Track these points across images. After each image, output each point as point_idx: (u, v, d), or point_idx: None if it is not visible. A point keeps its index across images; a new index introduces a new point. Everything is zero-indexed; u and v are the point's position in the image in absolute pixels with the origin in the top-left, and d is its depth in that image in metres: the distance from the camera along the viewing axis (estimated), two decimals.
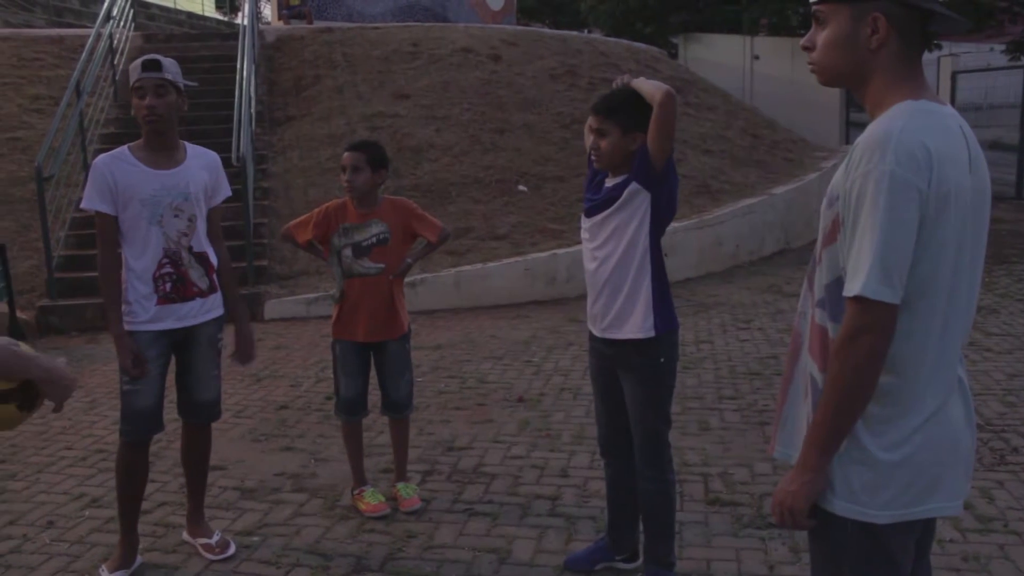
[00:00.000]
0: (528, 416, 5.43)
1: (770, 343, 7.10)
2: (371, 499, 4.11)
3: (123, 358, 3.43)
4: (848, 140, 18.68)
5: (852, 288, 1.70)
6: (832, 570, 1.89)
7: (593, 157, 3.22)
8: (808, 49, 1.89)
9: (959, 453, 1.84)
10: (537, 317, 8.38)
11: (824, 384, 1.80)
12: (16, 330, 7.89)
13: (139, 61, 3.45)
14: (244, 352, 3.82)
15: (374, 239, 4.02)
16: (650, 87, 3.04)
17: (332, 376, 4.23)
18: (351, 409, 4.15)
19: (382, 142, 4.46)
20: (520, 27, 18.48)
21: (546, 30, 19.05)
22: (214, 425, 3.87)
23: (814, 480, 1.80)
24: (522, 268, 9.12)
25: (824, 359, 1.84)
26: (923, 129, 1.70)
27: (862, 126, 1.83)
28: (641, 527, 3.43)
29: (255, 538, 3.90)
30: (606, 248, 3.20)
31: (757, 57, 21.01)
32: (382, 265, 4.02)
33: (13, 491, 4.48)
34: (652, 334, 3.15)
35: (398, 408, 4.20)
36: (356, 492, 4.17)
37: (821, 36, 1.86)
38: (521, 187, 10.57)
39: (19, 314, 8.06)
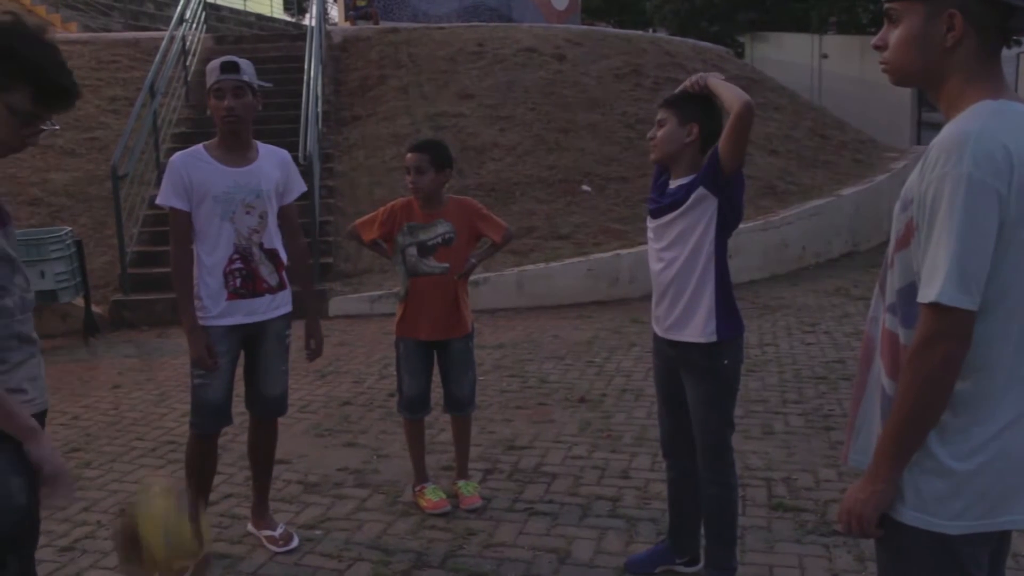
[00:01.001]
0: (589, 416, 5.42)
1: (836, 347, 6.98)
2: (432, 496, 4.14)
3: (196, 351, 3.50)
4: (920, 141, 18.26)
5: (928, 295, 1.65)
6: None
7: (650, 147, 3.23)
8: (880, 48, 1.83)
9: None
10: (599, 317, 8.35)
11: (896, 393, 1.74)
12: (91, 323, 8.13)
13: (217, 63, 3.51)
14: (311, 348, 3.87)
15: (439, 239, 4.01)
16: (728, 94, 2.96)
17: (395, 373, 4.26)
18: (414, 407, 4.17)
19: (446, 142, 4.46)
20: (585, 27, 18.44)
21: (611, 29, 18.97)
22: (280, 420, 3.94)
23: (885, 490, 1.76)
24: (585, 268, 9.10)
25: (893, 365, 1.80)
26: (1003, 130, 1.64)
27: (935, 126, 1.79)
28: (703, 530, 3.40)
29: (318, 532, 3.95)
30: (672, 251, 3.17)
31: (826, 56, 20.66)
32: (447, 265, 4.02)
33: (88, 479, 4.62)
34: (714, 339, 3.12)
35: (461, 406, 4.21)
36: (417, 489, 4.21)
37: (894, 35, 1.79)
38: (585, 187, 10.55)
39: (94, 308, 8.30)
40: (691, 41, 16.53)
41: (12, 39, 2.04)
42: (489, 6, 19.70)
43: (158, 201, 3.61)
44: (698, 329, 3.14)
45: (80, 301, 8.18)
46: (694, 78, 3.12)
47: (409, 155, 3.98)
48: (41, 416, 2.24)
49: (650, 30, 25.41)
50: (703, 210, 3.08)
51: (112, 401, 6.08)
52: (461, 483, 4.24)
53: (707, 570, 3.36)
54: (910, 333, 1.75)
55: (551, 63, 13.03)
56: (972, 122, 1.66)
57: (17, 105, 2.07)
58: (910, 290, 1.75)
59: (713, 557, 3.32)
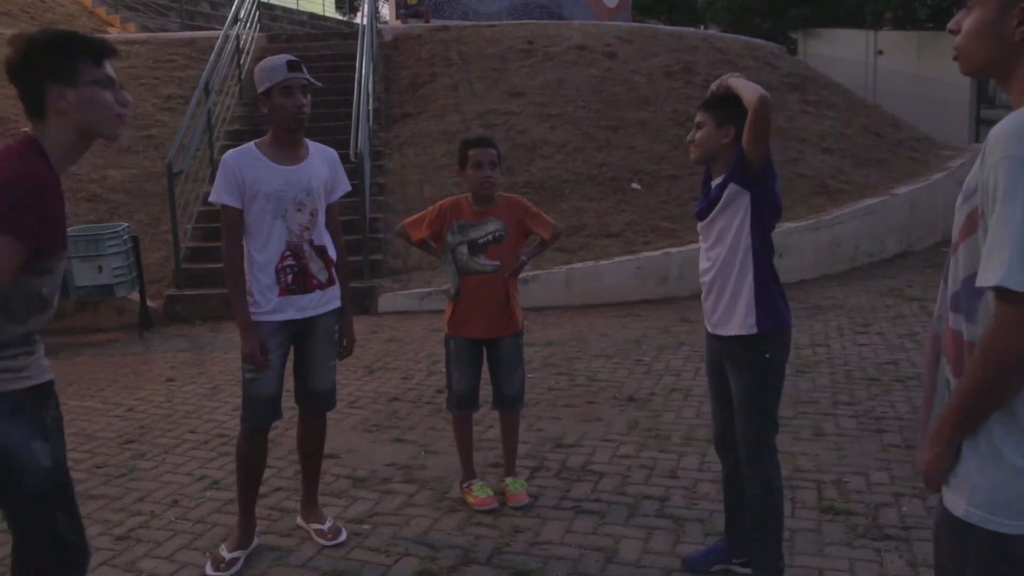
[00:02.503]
0: (638, 415, 5.40)
1: (890, 348, 6.86)
2: (479, 493, 4.15)
3: (248, 346, 3.54)
4: (979, 139, 17.83)
5: (988, 278, 1.59)
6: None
7: (689, 149, 3.31)
8: (954, 33, 1.81)
9: None
10: (648, 316, 8.31)
11: (964, 375, 1.70)
12: (145, 318, 8.28)
13: (281, 61, 3.53)
14: (343, 346, 3.89)
15: (490, 236, 4.01)
16: (746, 90, 3.01)
17: (444, 370, 4.28)
18: (463, 403, 4.18)
19: (496, 139, 4.47)
20: (635, 24, 18.35)
21: (661, 27, 18.85)
22: (329, 415, 3.97)
23: (945, 456, 1.76)
24: (634, 267, 9.06)
25: (958, 364, 1.76)
26: None
27: (993, 123, 1.75)
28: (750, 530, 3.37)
29: (365, 526, 3.99)
30: (715, 249, 3.24)
31: (881, 52, 20.27)
32: (497, 263, 4.01)
33: (142, 470, 4.70)
34: (755, 331, 3.14)
35: (510, 404, 4.21)
36: (465, 485, 4.22)
37: (967, 21, 1.77)
38: (635, 185, 10.50)
39: (148, 303, 8.46)
40: (743, 38, 16.34)
41: (51, 33, 2.27)
42: (539, 3, 19.69)
43: (211, 199, 3.66)
44: (739, 322, 3.17)
45: (136, 296, 8.34)
46: (718, 81, 3.18)
47: (477, 150, 3.95)
48: (47, 386, 2.42)
49: (701, 27, 25.19)
50: (737, 206, 3.15)
51: (165, 394, 6.19)
52: (509, 480, 4.25)
53: (753, 571, 3.33)
54: (973, 328, 1.71)
55: (601, 60, 12.98)
56: None
57: (95, 77, 2.27)
58: (975, 279, 1.69)
59: (757, 558, 3.30)
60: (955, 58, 1.83)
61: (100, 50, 2.29)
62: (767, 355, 3.17)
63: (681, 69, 13.02)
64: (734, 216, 3.15)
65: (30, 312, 2.29)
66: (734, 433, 3.34)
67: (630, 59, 13.13)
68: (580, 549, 3.71)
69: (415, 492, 4.35)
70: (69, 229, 7.87)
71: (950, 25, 1.84)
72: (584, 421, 5.32)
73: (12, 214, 2.12)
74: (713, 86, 3.20)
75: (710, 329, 3.32)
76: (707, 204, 3.24)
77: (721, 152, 3.19)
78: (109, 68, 2.31)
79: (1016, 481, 1.68)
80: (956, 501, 1.75)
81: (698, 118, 3.24)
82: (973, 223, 1.71)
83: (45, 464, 2.33)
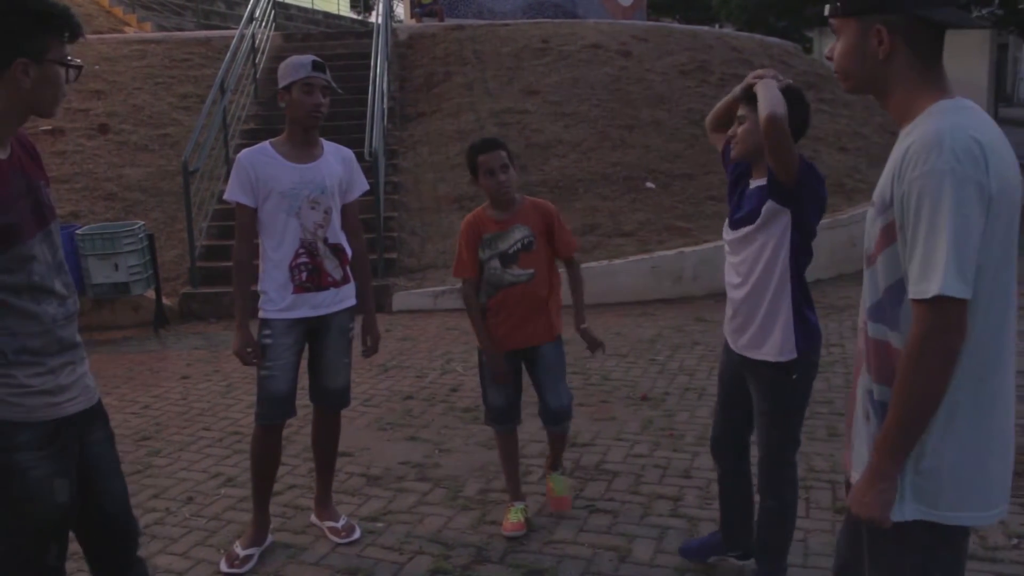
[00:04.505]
0: (651, 415, 5.38)
1: None
2: (512, 517, 3.90)
3: (237, 345, 3.58)
4: None
5: (927, 289, 1.68)
6: (900, 573, 1.87)
7: (731, 146, 3.13)
8: (830, 59, 1.95)
9: (1009, 456, 1.85)
10: (663, 315, 8.29)
11: (894, 391, 1.77)
12: (161, 315, 8.32)
13: (307, 60, 3.56)
14: (367, 345, 3.91)
15: (519, 244, 3.76)
16: (761, 104, 2.83)
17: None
18: (499, 418, 3.92)
19: (510, 138, 4.43)
20: (650, 23, 18.31)
21: (676, 25, 18.81)
22: (343, 413, 3.98)
23: (889, 488, 1.80)
24: (648, 266, 9.04)
25: (880, 372, 1.84)
26: (971, 125, 1.72)
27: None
28: (755, 540, 3.35)
29: (379, 524, 3.99)
30: (747, 266, 3.07)
31: None
32: (532, 270, 3.76)
33: (157, 467, 4.73)
34: (793, 357, 3.03)
35: (555, 418, 3.89)
36: (509, 503, 4.00)
37: (838, 46, 1.91)
38: (649, 184, 10.48)
39: (164, 300, 8.49)
40: (758, 37, 16.28)
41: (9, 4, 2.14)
42: (554, 2, 19.65)
43: (225, 197, 3.68)
44: (773, 349, 3.04)
45: (151, 293, 8.38)
46: (749, 77, 3.00)
47: (485, 156, 3.70)
48: (90, 411, 2.35)
49: (716, 26, 25.11)
50: (776, 225, 2.98)
51: (181, 391, 6.22)
52: (553, 475, 4.06)
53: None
54: (899, 336, 1.79)
55: (616, 59, 12.96)
56: (941, 119, 1.74)
57: (56, 55, 2.17)
58: (899, 287, 1.79)
59: (760, 565, 3.27)
60: (836, 78, 1.97)
61: (73, 30, 2.21)
62: (795, 375, 3.07)
63: (696, 68, 12.98)
64: (771, 236, 2.98)
65: (36, 303, 2.19)
66: (733, 437, 3.34)
67: (645, 58, 13.10)
68: (593, 548, 3.70)
69: (429, 490, 4.35)
70: (85, 227, 7.95)
71: (826, 52, 1.99)
72: (598, 420, 5.31)
73: None
74: (749, 77, 3.00)
75: (735, 349, 3.18)
76: (745, 215, 3.06)
77: (763, 147, 2.96)
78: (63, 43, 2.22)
79: (952, 476, 1.78)
80: (898, 505, 1.82)
81: (740, 111, 3.06)
82: (890, 235, 1.80)
83: (61, 501, 2.26)
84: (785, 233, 2.98)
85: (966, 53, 17.65)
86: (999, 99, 18.13)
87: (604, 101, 11.90)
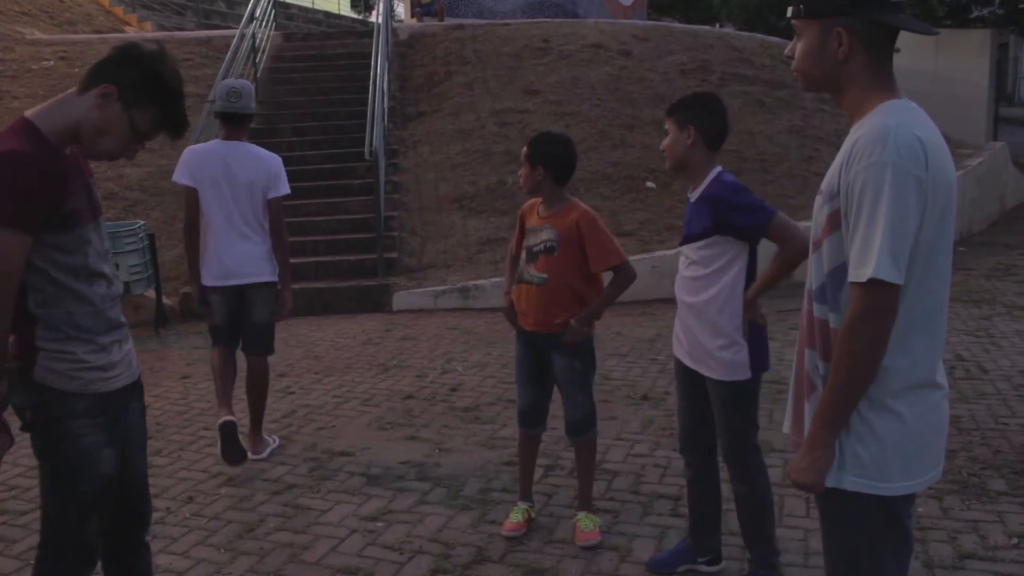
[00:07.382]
0: (652, 415, 5.38)
1: None
2: (512, 516, 3.89)
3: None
4: (996, 137, 17.71)
5: (864, 273, 1.81)
6: (848, 545, 1.99)
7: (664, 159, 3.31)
8: (790, 58, 2.06)
9: (943, 427, 2.00)
10: (663, 315, 8.27)
11: (832, 364, 1.90)
12: (161, 315, 8.32)
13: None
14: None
15: (542, 246, 3.66)
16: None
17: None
18: (522, 419, 3.90)
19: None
20: (650, 22, 18.30)
21: (677, 25, 18.81)
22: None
23: (824, 456, 1.93)
24: (649, 265, 9.02)
25: (825, 350, 1.96)
26: (914, 124, 1.87)
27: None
28: (741, 531, 3.38)
29: (379, 524, 3.99)
30: (697, 282, 3.20)
31: (898, 50, 20.03)
32: (545, 276, 3.65)
33: (158, 466, 4.72)
34: (746, 376, 3.14)
35: (571, 430, 3.85)
36: (516, 503, 3.99)
37: (799, 46, 2.02)
38: (649, 183, 10.48)
39: (164, 300, 8.49)
40: (759, 36, 16.27)
41: (162, 67, 2.36)
42: (554, 2, 19.63)
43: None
44: (723, 368, 3.15)
45: (152, 293, 8.38)
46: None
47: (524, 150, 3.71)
48: (132, 386, 2.56)
49: (717, 25, 25.09)
50: (724, 245, 3.13)
51: (181, 391, 6.22)
52: (581, 515, 3.84)
53: (749, 567, 3.35)
54: (837, 318, 1.92)
55: (617, 59, 12.96)
56: (890, 117, 1.87)
57: (140, 124, 2.36)
58: (840, 271, 1.92)
59: (752, 552, 3.32)
60: (795, 78, 2.09)
61: (174, 131, 2.41)
62: (746, 379, 3.18)
63: (697, 67, 12.98)
64: (721, 255, 3.14)
65: (89, 285, 2.35)
66: (701, 435, 3.38)
67: (645, 57, 13.10)
68: (594, 548, 3.70)
69: (429, 490, 4.35)
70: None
71: (786, 51, 2.09)
72: (598, 420, 5.29)
73: (8, 205, 2.16)
74: None
75: (684, 360, 3.29)
76: (693, 234, 3.19)
77: (688, 156, 3.17)
78: (157, 135, 2.42)
79: (889, 449, 1.91)
80: (838, 474, 1.94)
81: (665, 125, 3.23)
82: (835, 222, 1.93)
83: (106, 472, 2.42)
84: (738, 256, 3.14)
85: (966, 53, 17.60)
86: (1000, 99, 18.07)
87: (604, 101, 11.90)
